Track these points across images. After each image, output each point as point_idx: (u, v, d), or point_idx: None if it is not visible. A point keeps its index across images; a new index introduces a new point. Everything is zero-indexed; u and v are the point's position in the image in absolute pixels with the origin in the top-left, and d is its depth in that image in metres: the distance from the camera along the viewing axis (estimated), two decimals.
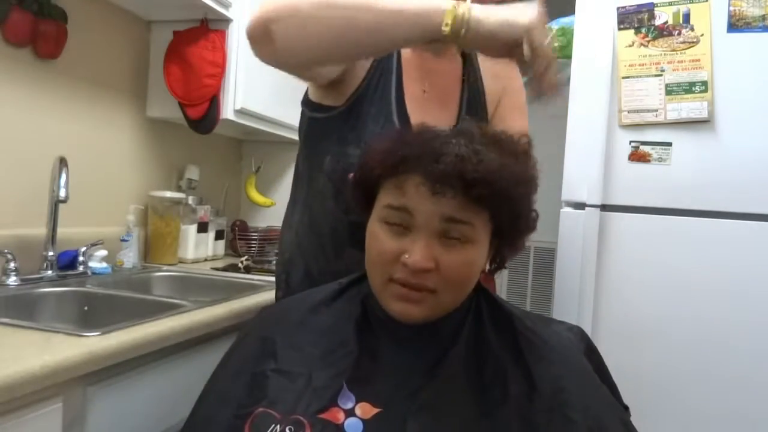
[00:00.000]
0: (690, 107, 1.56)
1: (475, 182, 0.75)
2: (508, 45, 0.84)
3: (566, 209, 1.66)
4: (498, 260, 0.88)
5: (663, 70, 1.58)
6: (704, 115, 1.55)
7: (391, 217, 0.79)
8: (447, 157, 0.76)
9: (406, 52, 1.12)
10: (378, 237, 0.80)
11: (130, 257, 1.81)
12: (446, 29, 0.82)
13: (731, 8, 1.53)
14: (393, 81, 1.09)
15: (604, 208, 1.62)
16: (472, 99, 1.18)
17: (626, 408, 0.92)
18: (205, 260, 2.20)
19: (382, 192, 0.82)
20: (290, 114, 2.21)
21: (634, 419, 0.87)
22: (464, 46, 0.86)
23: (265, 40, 0.87)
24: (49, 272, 1.52)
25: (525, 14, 0.83)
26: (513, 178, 0.78)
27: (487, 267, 0.86)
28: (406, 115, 1.08)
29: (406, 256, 0.76)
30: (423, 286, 0.77)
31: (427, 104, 1.12)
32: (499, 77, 1.22)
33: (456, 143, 0.78)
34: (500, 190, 0.76)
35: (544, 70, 0.84)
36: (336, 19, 0.84)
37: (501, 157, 0.79)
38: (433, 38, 0.85)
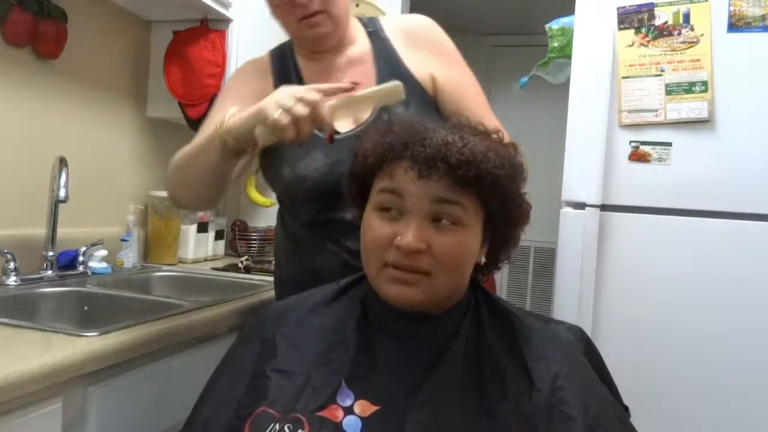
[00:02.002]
0: (690, 107, 1.56)
1: (459, 164, 0.77)
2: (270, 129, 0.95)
3: (566, 209, 1.66)
4: (494, 256, 0.88)
5: (663, 70, 1.58)
6: (704, 115, 1.55)
7: (383, 202, 0.81)
8: (432, 141, 0.78)
9: (307, 72, 1.21)
10: (372, 224, 0.82)
11: (130, 257, 1.81)
12: (222, 146, 1.01)
13: (731, 8, 1.53)
14: None
15: (604, 208, 1.62)
16: (388, 75, 1.16)
17: (626, 408, 0.92)
18: (205, 260, 2.20)
19: (376, 180, 0.84)
20: None
21: (634, 419, 0.87)
22: (245, 146, 1.00)
23: (184, 205, 1.27)
24: (49, 272, 1.52)
25: (266, 101, 0.95)
26: (498, 161, 0.79)
27: (483, 260, 0.86)
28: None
29: (399, 238, 0.77)
30: (417, 267, 0.78)
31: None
32: (420, 49, 1.21)
33: (443, 131, 0.81)
34: (485, 171, 0.78)
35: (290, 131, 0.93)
36: (188, 177, 1.12)
37: (487, 143, 0.81)
38: (229, 154, 1.02)
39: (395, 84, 0.97)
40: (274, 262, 1.33)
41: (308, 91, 0.93)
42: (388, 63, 1.19)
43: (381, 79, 1.17)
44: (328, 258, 1.13)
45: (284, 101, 0.91)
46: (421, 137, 0.79)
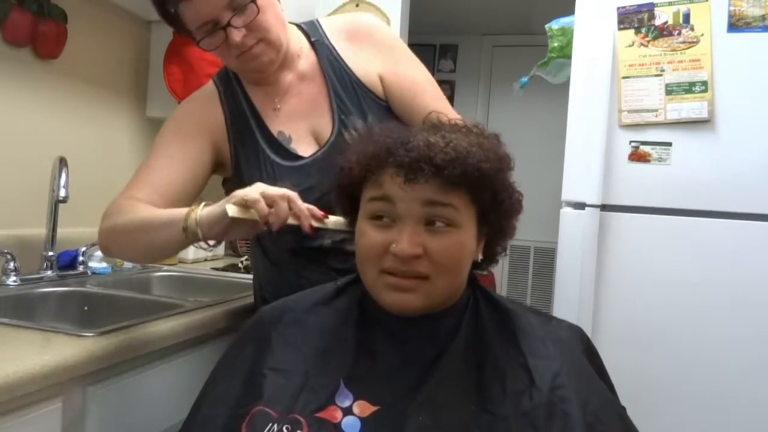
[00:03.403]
0: (690, 107, 1.56)
1: (445, 164, 0.76)
2: (241, 224, 0.94)
3: (566, 209, 1.66)
4: (490, 250, 0.88)
5: (663, 70, 1.58)
6: (704, 115, 1.55)
7: (375, 210, 0.81)
8: (415, 144, 0.78)
9: (256, 98, 1.17)
10: (365, 233, 0.82)
11: None
12: (184, 232, 0.97)
13: (731, 8, 1.53)
14: (254, 125, 1.16)
15: (604, 208, 1.62)
16: (340, 86, 1.16)
17: (623, 409, 0.92)
18: (205, 260, 2.20)
19: (364, 191, 0.84)
20: None
21: (633, 419, 0.87)
22: (210, 238, 0.98)
23: (114, 257, 1.20)
24: (49, 272, 1.52)
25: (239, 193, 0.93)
26: (483, 155, 0.79)
27: (480, 257, 0.86)
28: (278, 144, 1.15)
29: (394, 245, 0.77)
30: (414, 272, 0.78)
31: (303, 115, 1.16)
32: (364, 49, 1.19)
33: (424, 132, 0.81)
34: (471, 167, 0.77)
35: (269, 215, 0.91)
36: (135, 242, 1.07)
37: (469, 139, 0.81)
38: (187, 240, 0.98)
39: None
40: (254, 281, 1.32)
41: (284, 190, 0.93)
42: (337, 74, 1.16)
43: (333, 93, 1.15)
44: (315, 278, 1.10)
45: (260, 187, 0.92)
46: (403, 141, 0.79)
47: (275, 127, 1.15)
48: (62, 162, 1.49)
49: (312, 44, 1.19)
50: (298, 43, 1.18)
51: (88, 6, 1.75)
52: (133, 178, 1.13)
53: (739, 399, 1.50)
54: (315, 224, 0.93)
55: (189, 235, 0.97)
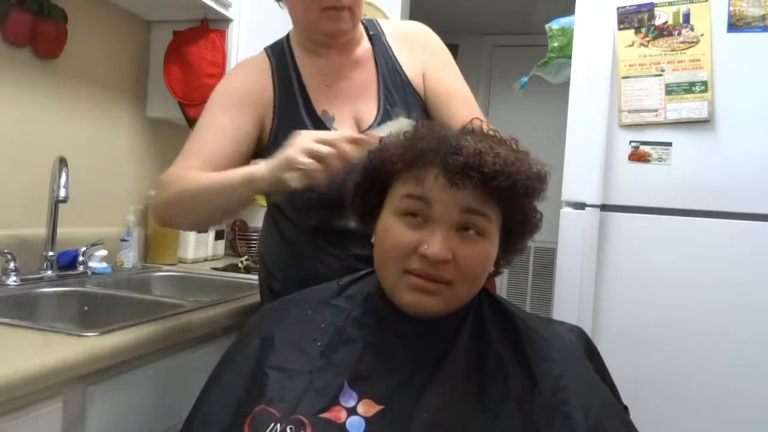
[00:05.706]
0: (690, 107, 1.56)
1: (495, 174, 0.76)
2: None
3: (566, 209, 1.66)
4: (501, 261, 0.88)
5: (663, 70, 1.58)
6: (704, 115, 1.55)
7: (408, 208, 0.80)
8: (466, 150, 0.77)
9: (306, 71, 1.20)
10: (394, 229, 0.80)
11: (130, 257, 1.81)
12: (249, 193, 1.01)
13: (731, 8, 1.53)
14: (300, 101, 1.18)
15: (604, 208, 1.62)
16: (389, 80, 1.20)
17: (625, 408, 0.92)
18: (205, 260, 2.20)
19: (398, 185, 0.83)
20: None
21: (633, 419, 0.87)
22: (275, 191, 1.01)
23: (173, 226, 1.25)
24: (49, 272, 1.52)
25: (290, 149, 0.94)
26: (528, 171, 0.79)
27: (492, 268, 0.86)
28: (321, 123, 1.16)
29: (425, 247, 0.77)
30: (440, 277, 0.78)
31: (349, 99, 1.19)
32: (414, 51, 1.24)
33: (471, 138, 0.80)
34: (517, 182, 0.78)
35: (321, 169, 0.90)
36: (196, 208, 1.08)
37: (515, 154, 0.81)
38: (253, 196, 1.04)
39: (407, 122, 0.96)
40: (261, 270, 1.31)
41: (328, 133, 0.93)
42: (389, 69, 1.21)
43: (383, 84, 1.19)
44: (331, 262, 1.12)
45: (307, 145, 0.91)
46: (451, 144, 0.78)
47: (320, 105, 1.18)
48: (62, 162, 1.49)
49: (370, 38, 1.25)
50: (360, 32, 1.23)
51: (88, 6, 1.75)
52: (184, 150, 1.15)
53: (739, 398, 1.50)
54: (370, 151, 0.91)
55: (251, 198, 1.02)
